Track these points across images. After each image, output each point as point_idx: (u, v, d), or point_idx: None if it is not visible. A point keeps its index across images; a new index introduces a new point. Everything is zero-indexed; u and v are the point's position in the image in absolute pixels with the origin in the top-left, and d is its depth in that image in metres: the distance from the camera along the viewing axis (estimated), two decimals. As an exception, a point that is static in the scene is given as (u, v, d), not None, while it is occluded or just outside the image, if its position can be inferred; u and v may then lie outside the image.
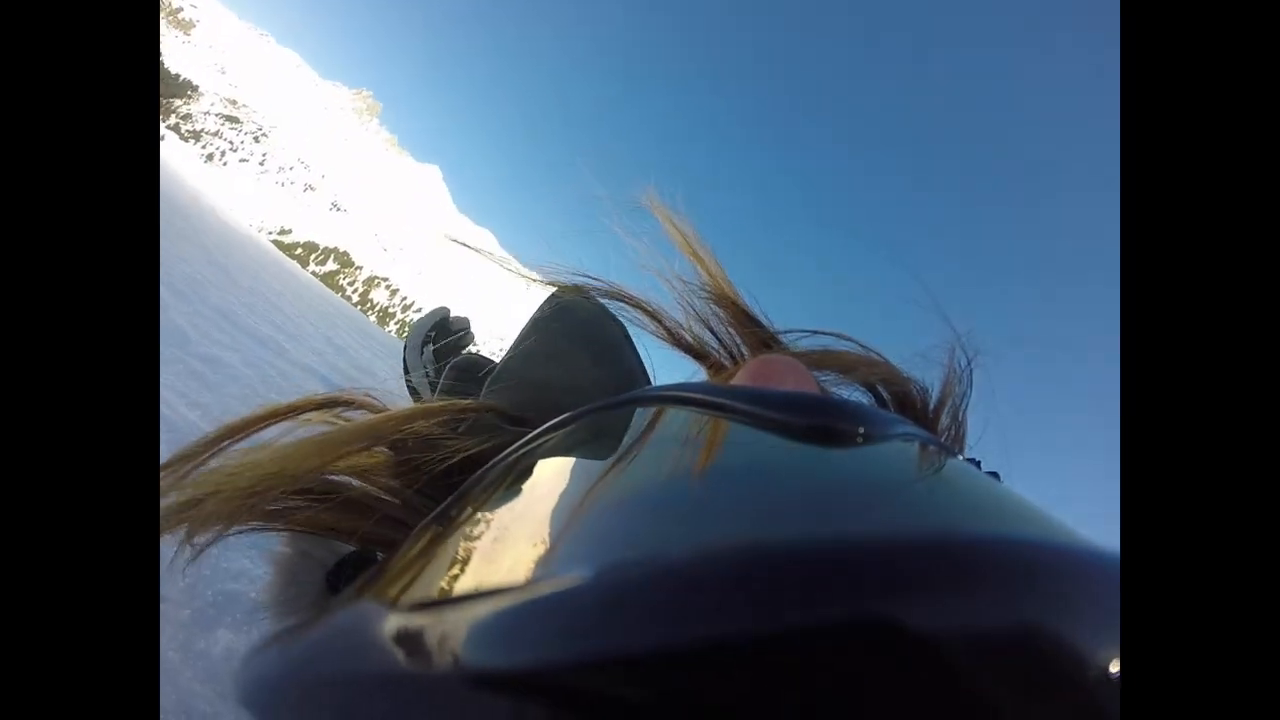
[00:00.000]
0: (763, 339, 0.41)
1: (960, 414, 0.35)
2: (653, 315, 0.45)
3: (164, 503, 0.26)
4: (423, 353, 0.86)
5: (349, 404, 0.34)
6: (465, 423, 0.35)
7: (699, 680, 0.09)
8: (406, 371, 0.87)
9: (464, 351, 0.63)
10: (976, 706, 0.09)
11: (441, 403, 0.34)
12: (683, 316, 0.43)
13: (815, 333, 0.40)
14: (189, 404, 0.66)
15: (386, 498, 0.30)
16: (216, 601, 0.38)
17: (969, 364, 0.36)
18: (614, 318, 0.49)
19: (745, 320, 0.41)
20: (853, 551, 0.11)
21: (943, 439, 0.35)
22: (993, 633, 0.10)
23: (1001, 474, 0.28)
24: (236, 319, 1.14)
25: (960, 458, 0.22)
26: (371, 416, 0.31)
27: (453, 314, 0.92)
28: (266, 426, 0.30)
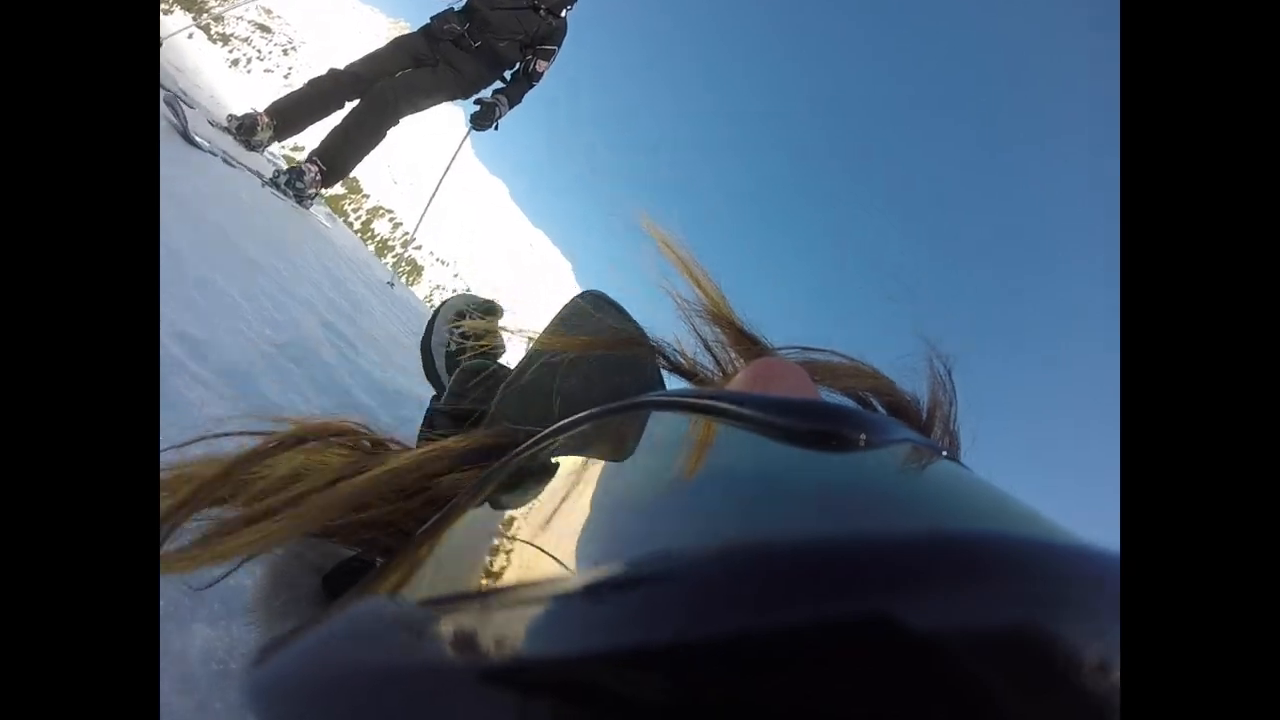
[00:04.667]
0: (759, 354, 0.41)
1: (951, 424, 0.36)
2: (659, 353, 0.45)
3: (180, 541, 0.26)
4: (454, 321, 0.85)
5: (343, 434, 0.33)
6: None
7: (706, 675, 0.09)
8: (428, 334, 0.86)
9: (484, 354, 0.61)
10: (977, 703, 0.09)
11: (451, 444, 0.34)
12: (679, 338, 0.44)
13: (807, 349, 0.40)
14: (173, 335, 0.59)
15: (387, 505, 0.30)
16: (191, 592, 0.33)
17: (949, 373, 0.37)
18: (633, 323, 0.48)
19: (743, 339, 0.42)
20: (854, 549, 0.11)
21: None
22: (994, 630, 0.10)
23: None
24: (236, 238, 1.05)
25: (959, 463, 0.22)
26: (383, 469, 0.31)
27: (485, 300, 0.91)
28: (270, 456, 0.29)
